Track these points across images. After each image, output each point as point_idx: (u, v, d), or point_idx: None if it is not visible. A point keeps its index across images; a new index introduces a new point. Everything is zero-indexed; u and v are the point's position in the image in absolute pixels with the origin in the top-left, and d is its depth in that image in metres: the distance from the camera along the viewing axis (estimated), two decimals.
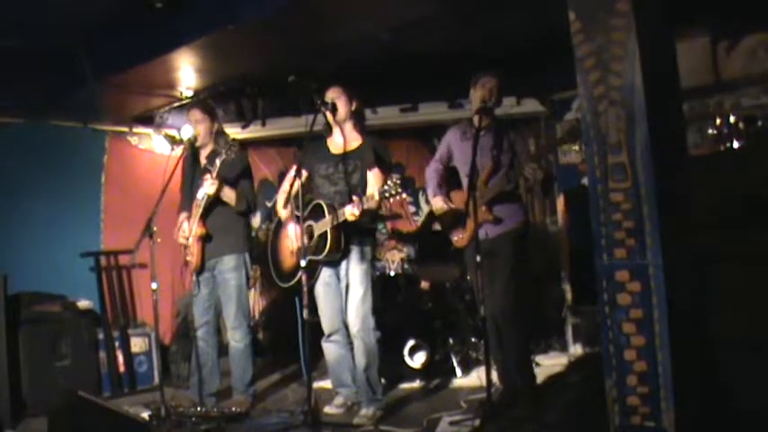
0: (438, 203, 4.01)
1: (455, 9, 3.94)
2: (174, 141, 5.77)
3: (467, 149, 3.77)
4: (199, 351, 4.33)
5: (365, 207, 3.58)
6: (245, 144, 5.71)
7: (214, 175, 4.03)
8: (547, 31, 3.49)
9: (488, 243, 3.74)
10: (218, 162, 4.01)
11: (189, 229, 4.23)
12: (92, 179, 5.48)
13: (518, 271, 3.79)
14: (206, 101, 4.51)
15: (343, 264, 3.84)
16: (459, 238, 3.93)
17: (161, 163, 5.09)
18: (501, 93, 3.88)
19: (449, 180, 4.07)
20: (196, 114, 4.27)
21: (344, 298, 3.86)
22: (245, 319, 4.30)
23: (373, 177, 3.79)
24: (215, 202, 4.15)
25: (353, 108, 3.92)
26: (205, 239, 4.21)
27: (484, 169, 3.80)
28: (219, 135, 4.31)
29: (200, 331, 4.33)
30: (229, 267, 4.22)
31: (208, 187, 4.05)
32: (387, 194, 3.44)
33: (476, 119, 3.81)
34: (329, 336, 3.96)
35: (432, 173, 4.10)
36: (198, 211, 4.16)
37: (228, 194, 4.14)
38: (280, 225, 4.16)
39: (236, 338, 4.26)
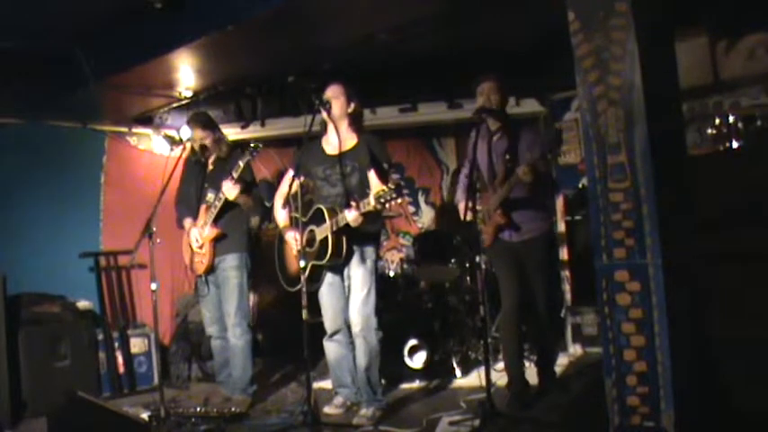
0: (460, 209, 4.02)
1: (454, 9, 3.94)
2: (173, 142, 5.77)
3: (480, 153, 3.85)
4: (215, 351, 4.45)
5: (364, 211, 3.57)
6: (245, 144, 5.75)
7: (236, 176, 4.08)
8: (546, 30, 3.49)
9: (513, 246, 3.86)
10: (241, 163, 4.07)
11: (200, 233, 4.28)
12: (91, 179, 5.47)
13: (550, 280, 4.01)
14: (203, 115, 4.53)
15: (347, 264, 3.84)
16: (483, 238, 3.99)
17: (160, 163, 5.09)
18: (503, 92, 3.90)
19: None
20: (199, 133, 4.35)
21: (348, 298, 3.86)
22: (245, 318, 4.32)
23: (373, 180, 3.78)
24: (225, 203, 4.21)
25: (351, 110, 3.91)
26: (216, 240, 4.27)
27: (499, 173, 3.84)
28: (221, 142, 4.42)
29: (214, 330, 4.40)
30: (232, 266, 4.29)
31: (228, 190, 4.09)
32: (382, 200, 3.41)
33: (490, 122, 3.90)
34: (331, 335, 3.96)
35: (462, 177, 4.17)
36: (213, 212, 4.22)
37: (245, 198, 4.22)
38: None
39: (236, 335, 4.28)
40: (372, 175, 3.78)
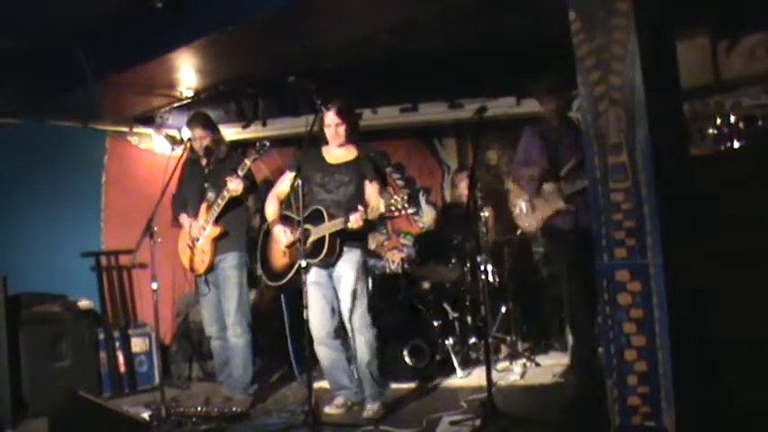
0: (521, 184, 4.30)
1: (455, 9, 3.94)
2: (174, 141, 5.77)
3: (545, 147, 4.12)
4: (215, 351, 4.46)
5: (370, 217, 3.61)
6: (246, 144, 5.76)
7: (242, 174, 4.13)
8: (547, 30, 3.49)
9: (568, 234, 4.01)
10: (248, 162, 4.13)
11: (200, 230, 4.29)
12: (92, 179, 5.48)
13: None
14: (202, 115, 4.54)
15: (338, 263, 3.85)
16: (528, 224, 4.15)
17: (161, 163, 5.09)
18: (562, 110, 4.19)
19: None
20: (198, 132, 4.36)
21: (340, 297, 3.86)
22: (245, 317, 4.33)
23: (372, 190, 3.81)
24: (228, 202, 4.23)
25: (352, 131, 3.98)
26: (217, 239, 4.28)
27: (566, 163, 4.03)
28: (220, 143, 4.45)
29: (213, 330, 4.40)
30: (232, 265, 4.30)
31: (234, 187, 4.12)
32: (393, 208, 3.48)
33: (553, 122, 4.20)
34: (320, 340, 3.91)
35: (526, 179, 4.28)
36: (216, 210, 4.24)
37: (251, 196, 4.31)
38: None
39: (237, 334, 4.29)
40: (370, 187, 3.82)
